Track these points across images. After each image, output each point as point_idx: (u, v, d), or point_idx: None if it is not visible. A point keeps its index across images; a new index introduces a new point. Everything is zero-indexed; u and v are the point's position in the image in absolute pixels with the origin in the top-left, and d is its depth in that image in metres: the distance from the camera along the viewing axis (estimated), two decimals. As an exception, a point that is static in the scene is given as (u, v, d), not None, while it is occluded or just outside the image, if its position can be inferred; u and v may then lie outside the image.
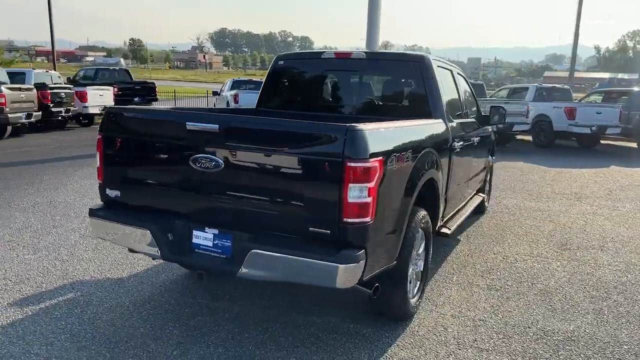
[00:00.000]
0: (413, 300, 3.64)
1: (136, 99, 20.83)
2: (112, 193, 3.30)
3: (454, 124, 4.39)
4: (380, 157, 2.75)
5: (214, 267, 3.02)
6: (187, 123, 2.91)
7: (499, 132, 14.91)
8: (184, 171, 2.99)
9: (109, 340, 3.18)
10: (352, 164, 2.60)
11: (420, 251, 3.75)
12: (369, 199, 2.68)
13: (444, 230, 4.46)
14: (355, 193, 2.63)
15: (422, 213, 3.60)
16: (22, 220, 5.71)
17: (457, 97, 4.93)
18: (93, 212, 3.30)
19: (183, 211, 3.10)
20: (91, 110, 17.11)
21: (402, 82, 4.54)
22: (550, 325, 3.64)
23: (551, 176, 10.11)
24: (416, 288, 3.78)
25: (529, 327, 3.60)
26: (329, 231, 2.70)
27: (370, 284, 3.09)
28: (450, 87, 4.81)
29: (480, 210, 6.70)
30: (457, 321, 3.66)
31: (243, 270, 2.81)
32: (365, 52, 4.47)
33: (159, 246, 3.05)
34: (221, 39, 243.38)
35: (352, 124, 2.66)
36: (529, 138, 16.09)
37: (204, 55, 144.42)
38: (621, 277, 4.64)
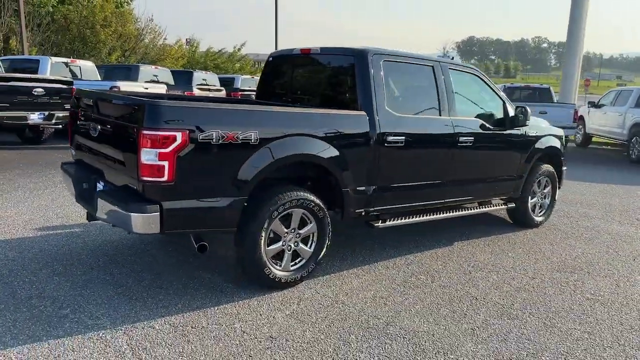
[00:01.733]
0: (283, 273, 3.93)
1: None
2: (72, 152, 4.49)
3: (392, 118, 4.38)
4: (185, 130, 3.27)
5: (93, 211, 3.91)
6: (83, 98, 3.89)
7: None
8: (90, 136, 3.97)
9: (53, 259, 4.37)
10: (145, 132, 3.21)
11: (303, 230, 4.01)
12: (164, 163, 3.24)
13: (372, 222, 4.52)
14: (149, 157, 3.23)
15: (300, 194, 3.88)
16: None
17: (423, 94, 4.83)
18: (61, 165, 4.53)
19: (94, 167, 4.08)
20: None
21: (343, 74, 4.69)
22: (402, 322, 3.55)
23: None
24: (299, 264, 4.04)
25: (377, 318, 3.58)
26: (135, 187, 3.36)
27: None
28: (410, 83, 4.78)
29: (521, 222, 6.12)
30: (319, 299, 3.83)
31: (97, 213, 3.65)
32: (321, 48, 4.78)
33: (75, 191, 4.09)
34: (468, 47, 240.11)
35: (153, 100, 3.27)
36: None
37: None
38: (572, 305, 3.98)
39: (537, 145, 5.90)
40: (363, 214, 4.44)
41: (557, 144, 6.26)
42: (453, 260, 4.86)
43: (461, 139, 4.95)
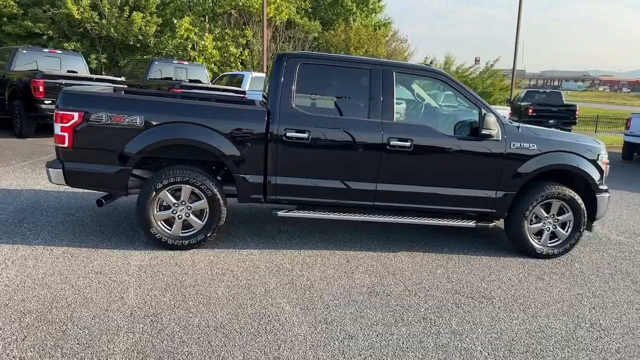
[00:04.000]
0: (170, 236, 4.74)
1: (551, 122, 20.89)
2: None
3: (298, 116, 4.72)
4: (81, 111, 4.49)
5: None
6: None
7: None
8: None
9: (77, 206, 6.10)
10: (56, 111, 4.55)
11: (194, 204, 4.76)
12: (64, 134, 4.52)
13: (274, 210, 4.92)
14: (57, 129, 4.56)
15: (185, 172, 4.67)
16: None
17: (349, 96, 4.93)
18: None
19: None
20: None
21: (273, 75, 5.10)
22: (206, 288, 4.04)
23: None
24: (189, 233, 4.80)
25: (195, 282, 4.14)
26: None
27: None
28: (334, 85, 4.97)
29: (517, 248, 5.38)
30: (181, 262, 4.54)
31: (51, 178, 5.14)
32: (277, 53, 5.33)
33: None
34: None
35: (67, 88, 4.58)
36: None
37: None
38: (397, 322, 3.71)
39: (532, 161, 5.08)
40: (262, 200, 4.89)
41: (577, 162, 5.21)
42: (367, 263, 4.82)
43: (393, 143, 4.83)
